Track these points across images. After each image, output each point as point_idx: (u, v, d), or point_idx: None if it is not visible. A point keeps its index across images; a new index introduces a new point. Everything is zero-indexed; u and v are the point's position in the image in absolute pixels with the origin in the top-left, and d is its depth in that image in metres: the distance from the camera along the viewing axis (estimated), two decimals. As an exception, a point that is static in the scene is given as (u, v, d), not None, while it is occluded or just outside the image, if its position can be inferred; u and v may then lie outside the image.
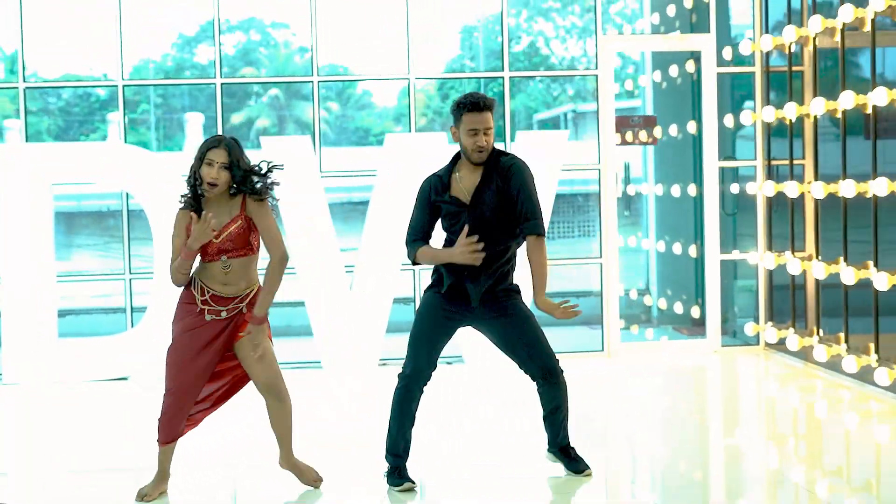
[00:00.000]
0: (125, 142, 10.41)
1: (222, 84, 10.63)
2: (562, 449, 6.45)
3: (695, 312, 11.63)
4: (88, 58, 14.69)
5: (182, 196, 6.01)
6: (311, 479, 6.28)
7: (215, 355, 5.97)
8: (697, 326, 11.50)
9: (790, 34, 9.89)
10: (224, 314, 5.95)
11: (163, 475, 6.19)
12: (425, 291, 6.37)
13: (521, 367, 6.32)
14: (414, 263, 6.35)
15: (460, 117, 6.12)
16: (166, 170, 9.90)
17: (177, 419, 6.03)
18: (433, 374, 6.27)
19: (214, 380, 6.10)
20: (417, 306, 6.49)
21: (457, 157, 6.29)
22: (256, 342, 5.90)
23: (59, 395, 9.45)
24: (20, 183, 9.79)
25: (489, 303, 6.19)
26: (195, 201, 5.95)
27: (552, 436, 6.43)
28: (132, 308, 10.45)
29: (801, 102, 9.92)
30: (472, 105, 6.08)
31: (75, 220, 16.55)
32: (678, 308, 12.02)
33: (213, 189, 5.86)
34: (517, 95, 15.11)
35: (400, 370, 6.32)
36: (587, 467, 6.42)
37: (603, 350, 10.57)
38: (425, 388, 6.29)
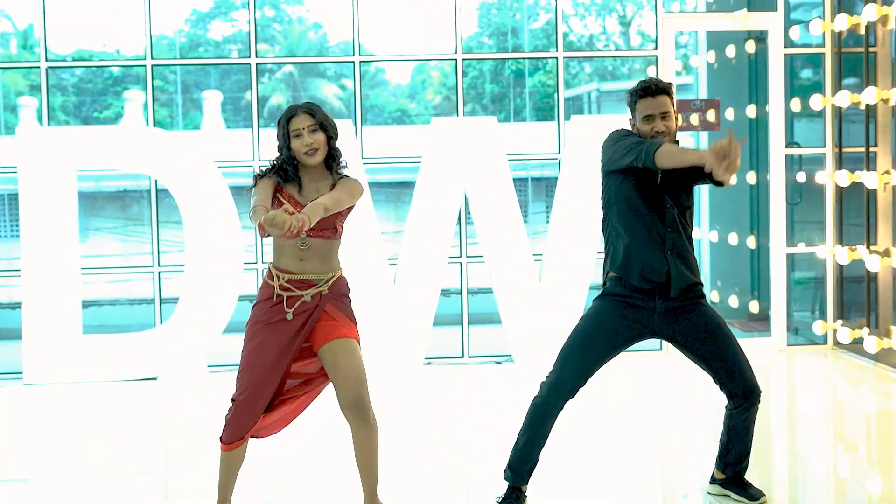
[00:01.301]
0: (153, 123, 9.76)
1: (257, 64, 9.97)
2: (736, 475, 5.80)
3: (753, 307, 11.00)
4: (109, 34, 14.35)
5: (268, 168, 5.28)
6: None
7: (291, 353, 5.20)
8: (755, 322, 10.89)
9: (871, 13, 9.19)
10: (307, 298, 5.18)
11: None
12: (595, 300, 5.62)
13: (718, 385, 5.66)
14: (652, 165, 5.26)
15: (634, 106, 5.48)
16: (195, 152, 9.30)
17: (246, 418, 5.21)
18: (581, 388, 5.54)
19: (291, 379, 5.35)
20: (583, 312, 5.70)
21: None
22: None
23: (83, 396, 8.88)
24: (42, 169, 9.19)
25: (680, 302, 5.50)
26: (287, 174, 5.24)
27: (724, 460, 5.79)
28: (161, 300, 9.84)
29: (876, 86, 9.27)
30: (643, 90, 5.43)
31: (93, 201, 16.04)
32: (733, 302, 11.39)
33: (314, 155, 5.18)
34: (535, 74, 14.75)
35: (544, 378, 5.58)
36: (761, 494, 5.78)
37: (661, 348, 9.93)
38: (566, 405, 5.55)
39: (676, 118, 5.50)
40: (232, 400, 5.20)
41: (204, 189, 9.25)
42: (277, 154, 5.27)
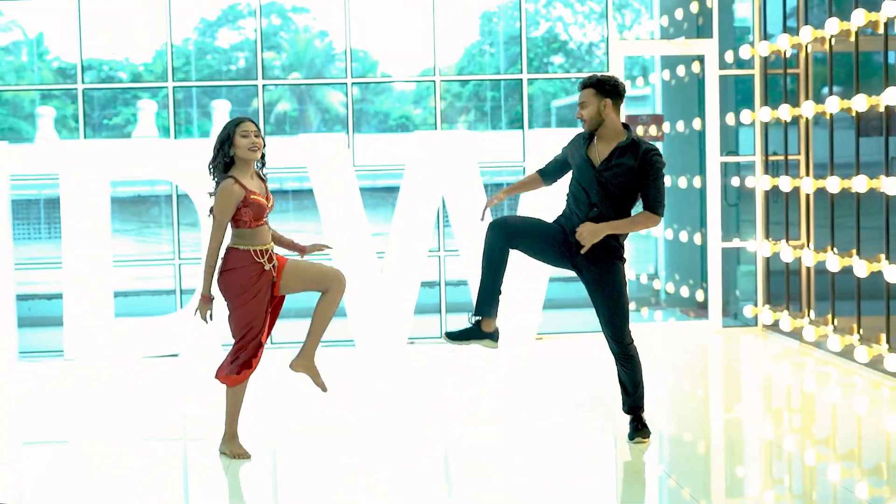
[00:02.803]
0: (173, 135, 11.28)
1: (263, 85, 11.46)
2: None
3: (699, 296, 12.51)
4: (119, 43, 14.84)
5: (214, 174, 6.93)
6: (321, 383, 7.00)
7: (269, 297, 6.90)
8: (702, 309, 12.37)
9: (784, 42, 10.79)
10: (275, 261, 6.91)
11: (232, 433, 6.99)
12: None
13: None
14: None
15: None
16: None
17: (250, 352, 6.87)
18: (514, 243, 7.01)
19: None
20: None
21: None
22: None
23: (115, 370, 10.29)
24: (80, 178, 10.71)
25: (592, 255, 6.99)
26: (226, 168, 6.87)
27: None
28: (181, 290, 11.36)
29: (794, 104, 10.82)
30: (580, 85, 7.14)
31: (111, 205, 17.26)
32: (684, 292, 12.89)
33: (257, 153, 6.81)
34: (535, 81, 15.48)
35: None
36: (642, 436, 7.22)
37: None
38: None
39: (602, 106, 6.93)
40: (239, 340, 6.90)
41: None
42: (216, 152, 6.94)
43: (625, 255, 7.11)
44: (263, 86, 11.48)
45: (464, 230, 10.96)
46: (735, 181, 11.84)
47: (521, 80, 11.53)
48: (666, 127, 12.29)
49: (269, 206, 6.89)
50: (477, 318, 7.10)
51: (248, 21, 15.49)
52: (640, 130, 11.44)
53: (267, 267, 6.82)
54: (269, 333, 7.03)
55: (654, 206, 6.91)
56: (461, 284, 11.40)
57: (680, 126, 12.74)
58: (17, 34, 14.83)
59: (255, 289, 6.80)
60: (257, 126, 6.85)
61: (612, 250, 7.00)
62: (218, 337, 10.70)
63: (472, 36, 16.23)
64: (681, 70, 12.82)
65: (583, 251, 6.93)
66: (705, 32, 12.00)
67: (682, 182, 12.76)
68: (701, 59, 12.04)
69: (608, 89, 6.97)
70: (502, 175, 12.70)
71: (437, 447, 7.58)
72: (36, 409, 8.91)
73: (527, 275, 10.74)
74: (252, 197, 6.76)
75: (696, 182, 12.50)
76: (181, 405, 8.99)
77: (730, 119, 11.77)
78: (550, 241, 7.05)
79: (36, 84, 14.71)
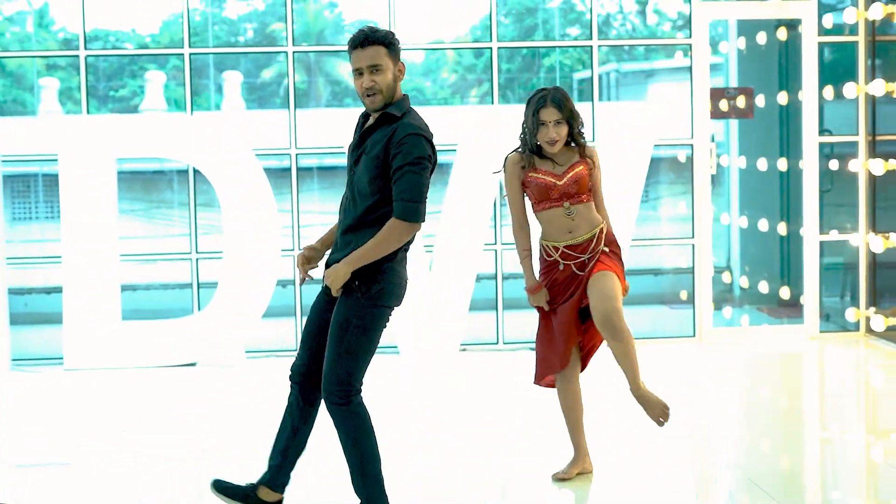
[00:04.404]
0: (189, 109, 9.86)
1: (294, 52, 10.02)
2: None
3: (784, 293, 11.05)
4: (124, 12, 14.24)
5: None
6: (656, 413, 5.80)
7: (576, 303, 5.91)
8: (784, 308, 10.94)
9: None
10: (585, 258, 5.85)
11: (578, 451, 6.11)
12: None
13: None
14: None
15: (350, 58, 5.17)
16: (233, 136, 9.39)
17: (554, 356, 5.98)
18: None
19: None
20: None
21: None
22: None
23: (122, 381, 8.97)
24: (83, 157, 9.27)
25: None
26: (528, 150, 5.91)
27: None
28: (199, 285, 9.93)
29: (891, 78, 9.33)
30: (351, 42, 5.11)
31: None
32: (763, 287, 11.44)
33: (555, 146, 5.80)
34: (551, 53, 14.65)
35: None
36: None
37: (694, 335, 10.01)
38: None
39: (398, 72, 5.12)
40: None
41: (241, 174, 9.32)
42: (522, 131, 5.90)
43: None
44: (294, 53, 10.01)
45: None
46: (833, 164, 10.31)
47: (591, 46, 10.04)
48: (760, 100, 10.75)
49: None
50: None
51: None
52: (724, 105, 9.95)
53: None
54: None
55: None
56: (519, 277, 9.97)
57: (760, 101, 11.23)
58: (21, 3, 14.35)
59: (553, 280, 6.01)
60: (560, 108, 5.81)
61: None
62: (241, 344, 9.28)
63: (486, 7, 16.15)
64: (761, 37, 11.32)
65: None
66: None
67: (762, 164, 11.27)
68: (791, 23, 10.54)
69: (398, 49, 5.15)
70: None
71: (492, 483, 6.22)
72: (33, 426, 7.77)
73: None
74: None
75: (781, 165, 11.01)
76: (198, 423, 7.65)
77: (827, 93, 10.23)
78: None
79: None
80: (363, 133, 5.16)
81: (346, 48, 5.10)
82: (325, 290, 5.25)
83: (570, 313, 5.89)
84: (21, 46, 13.54)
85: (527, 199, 5.97)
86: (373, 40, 5.02)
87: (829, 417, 7.85)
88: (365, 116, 5.26)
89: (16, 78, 14.27)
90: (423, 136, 5.02)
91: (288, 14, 9.84)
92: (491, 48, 10.03)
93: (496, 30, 10.01)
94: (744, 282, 11.83)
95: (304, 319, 5.59)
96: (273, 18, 15.62)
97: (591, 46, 10.07)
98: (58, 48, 14.04)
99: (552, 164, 5.82)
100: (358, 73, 5.05)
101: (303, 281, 5.38)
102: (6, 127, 9.69)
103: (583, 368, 6.13)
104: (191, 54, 9.85)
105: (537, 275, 5.97)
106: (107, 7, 12.79)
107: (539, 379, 6.14)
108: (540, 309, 6.01)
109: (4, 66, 12.93)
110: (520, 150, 5.90)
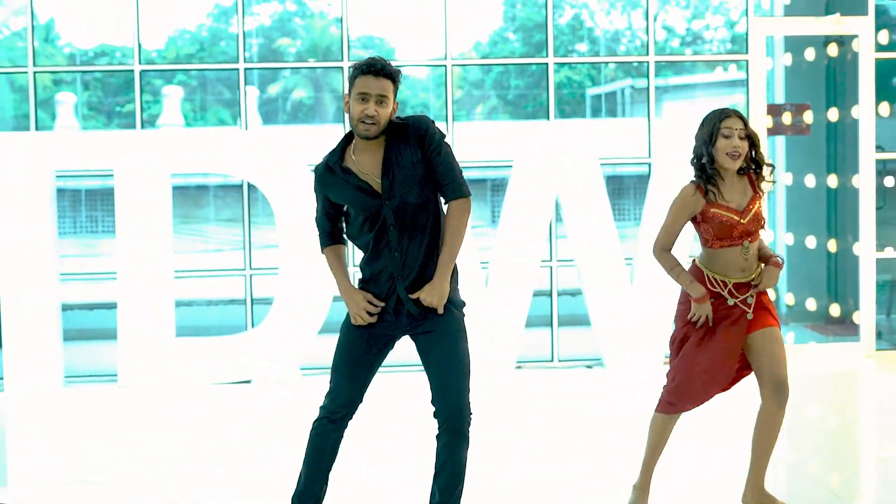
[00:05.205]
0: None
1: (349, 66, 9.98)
2: None
3: (834, 310, 10.97)
4: (131, 28, 14.56)
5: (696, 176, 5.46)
6: None
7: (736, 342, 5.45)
8: (833, 325, 10.86)
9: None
10: (749, 299, 5.42)
11: (644, 482, 5.65)
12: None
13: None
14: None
15: (353, 81, 4.98)
16: (288, 151, 9.32)
17: (711, 382, 5.49)
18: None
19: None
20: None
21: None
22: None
23: (177, 398, 8.91)
24: (137, 173, 9.19)
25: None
26: (706, 180, 5.40)
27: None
28: (252, 301, 9.85)
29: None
30: (365, 67, 4.95)
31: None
32: (811, 305, 11.36)
33: (738, 160, 5.35)
34: (561, 69, 14.69)
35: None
36: None
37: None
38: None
39: (394, 109, 4.99)
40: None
41: (298, 189, 9.23)
42: (697, 149, 5.41)
43: None
44: (349, 67, 9.98)
45: (581, 235, 9.43)
46: (889, 181, 10.25)
47: (648, 62, 9.99)
48: (808, 116, 10.69)
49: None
50: None
51: (263, 7, 15.63)
52: (782, 122, 9.87)
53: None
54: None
55: None
56: (576, 294, 9.90)
57: (808, 117, 11.16)
58: (28, 19, 14.35)
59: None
60: (744, 120, 5.38)
61: None
62: (296, 360, 9.21)
63: (496, 22, 16.11)
64: (809, 53, 11.26)
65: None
66: (841, 7, 10.42)
67: (810, 180, 11.20)
68: (842, 40, 10.48)
69: (398, 89, 5.07)
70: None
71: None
72: (85, 443, 7.68)
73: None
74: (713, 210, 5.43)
75: (831, 181, 10.94)
76: (253, 440, 7.57)
77: (883, 110, 10.17)
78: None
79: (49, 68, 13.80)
80: (383, 162, 4.98)
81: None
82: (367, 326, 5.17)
83: (737, 337, 5.43)
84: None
85: (689, 227, 5.58)
86: (387, 73, 4.94)
87: (889, 435, 7.76)
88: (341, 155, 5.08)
89: (25, 93, 14.39)
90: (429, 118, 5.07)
91: (344, 24, 9.81)
92: (547, 63, 9.95)
93: (551, 45, 9.94)
94: (789, 299, 11.75)
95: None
96: (279, 34, 15.79)
97: (648, 62, 10.00)
98: (65, 63, 14.23)
99: (733, 193, 5.38)
100: (362, 97, 4.91)
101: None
102: (60, 142, 9.60)
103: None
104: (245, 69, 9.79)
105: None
106: (112, 23, 12.75)
107: (671, 409, 5.58)
108: (690, 329, 5.50)
109: (15, 82, 12.83)
110: (695, 179, 5.42)
